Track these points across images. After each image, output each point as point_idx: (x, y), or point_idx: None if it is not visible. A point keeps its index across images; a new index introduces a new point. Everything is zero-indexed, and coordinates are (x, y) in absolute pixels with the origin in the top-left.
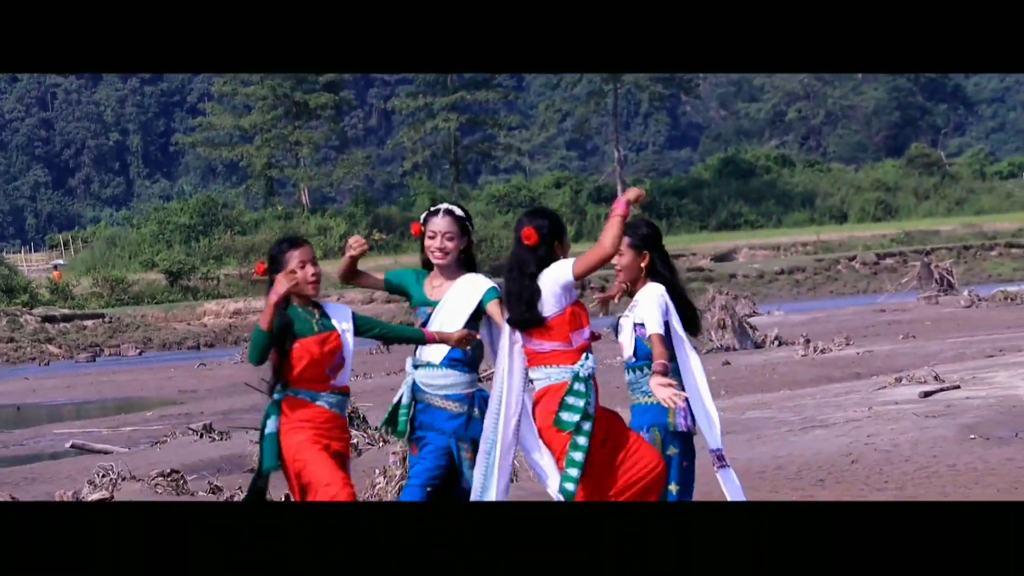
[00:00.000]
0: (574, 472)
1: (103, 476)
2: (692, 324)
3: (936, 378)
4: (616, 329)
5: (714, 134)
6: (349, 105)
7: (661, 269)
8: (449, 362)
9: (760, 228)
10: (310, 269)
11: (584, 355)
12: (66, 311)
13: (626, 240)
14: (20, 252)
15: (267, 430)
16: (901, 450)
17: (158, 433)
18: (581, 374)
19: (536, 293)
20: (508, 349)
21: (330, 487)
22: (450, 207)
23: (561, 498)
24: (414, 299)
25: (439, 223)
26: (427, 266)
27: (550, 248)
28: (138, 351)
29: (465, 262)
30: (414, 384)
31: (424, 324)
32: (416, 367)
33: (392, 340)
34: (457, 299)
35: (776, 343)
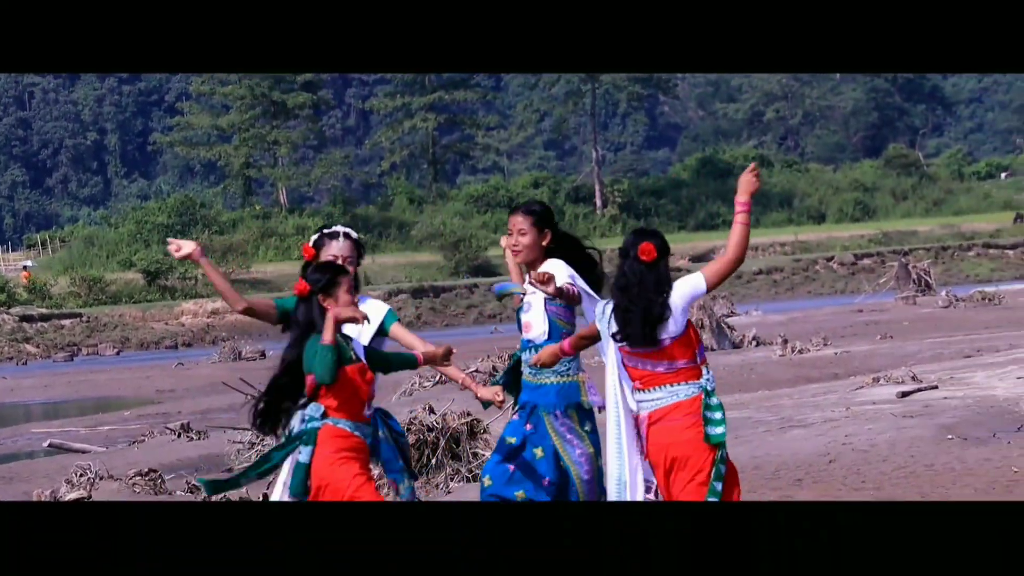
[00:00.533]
0: (719, 486)
1: (81, 475)
2: (597, 288)
3: (914, 378)
4: (519, 312)
5: (692, 134)
6: (327, 105)
7: (563, 243)
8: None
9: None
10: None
11: (706, 368)
12: (44, 311)
13: (528, 220)
14: None
15: (300, 459)
16: (879, 450)
17: (136, 432)
18: (709, 388)
19: (667, 311)
20: (616, 366)
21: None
22: (347, 230)
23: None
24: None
25: (340, 247)
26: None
27: (665, 264)
28: (116, 351)
29: (357, 285)
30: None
31: None
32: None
33: (392, 369)
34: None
35: (754, 343)
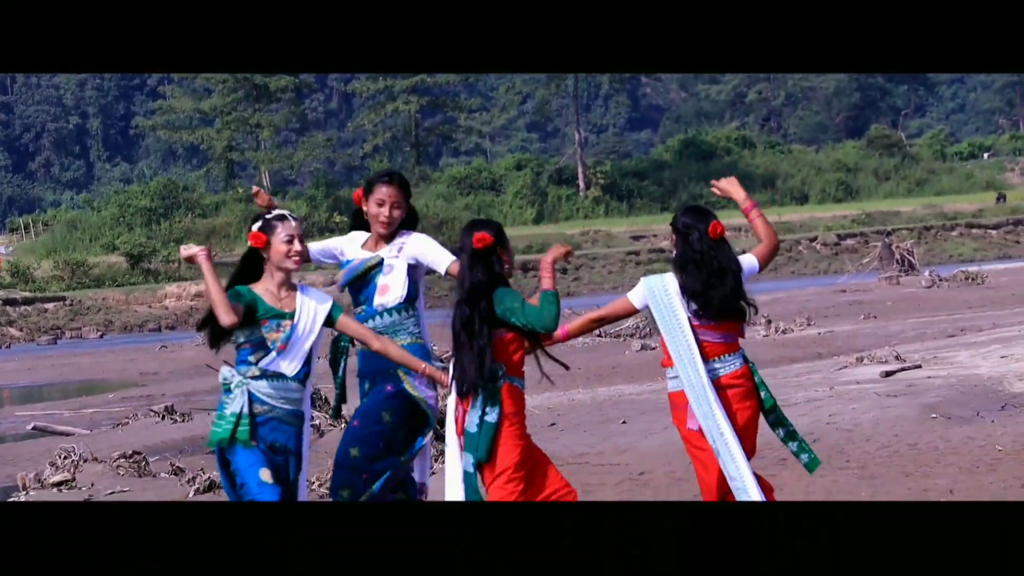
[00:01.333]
0: (789, 424)
1: (65, 458)
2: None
3: (897, 358)
4: (373, 274)
5: (674, 116)
6: (309, 88)
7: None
8: None
9: (721, 209)
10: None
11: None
12: (27, 294)
13: (402, 193)
14: None
15: (488, 419)
16: (862, 429)
17: (120, 415)
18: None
19: (741, 286)
20: (689, 340)
21: (569, 491)
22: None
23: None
24: (264, 311)
25: (296, 228)
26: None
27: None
28: (99, 334)
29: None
30: None
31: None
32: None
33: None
34: (309, 313)
35: None
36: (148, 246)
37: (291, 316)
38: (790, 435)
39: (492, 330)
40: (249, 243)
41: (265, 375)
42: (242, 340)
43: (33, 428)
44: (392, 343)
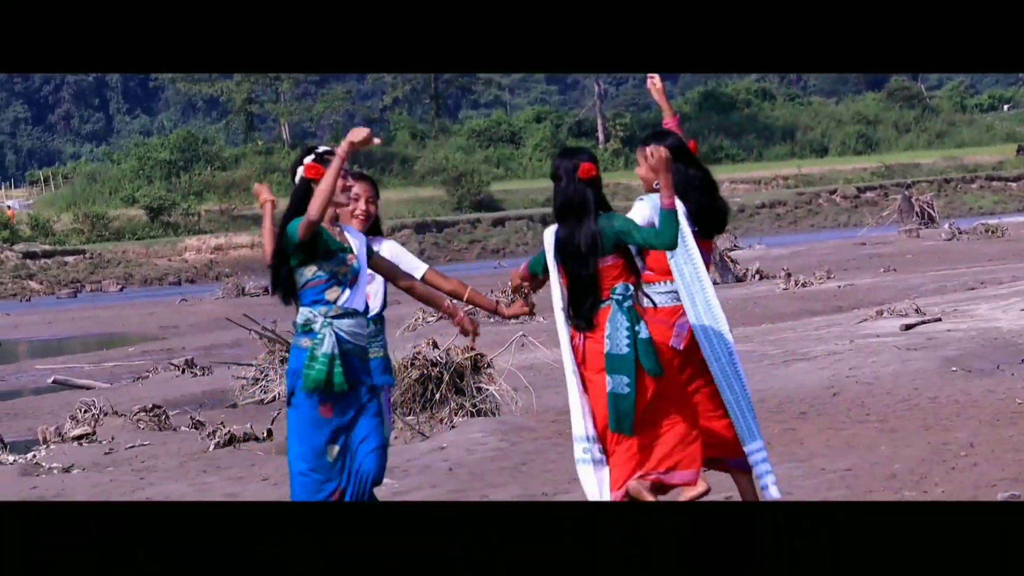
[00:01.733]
0: None
1: (85, 411)
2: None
3: (917, 311)
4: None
5: None
6: None
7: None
8: None
9: (741, 162)
10: None
11: None
12: (47, 247)
13: (373, 189)
14: (0, 188)
15: (642, 335)
16: (883, 383)
17: (140, 368)
18: None
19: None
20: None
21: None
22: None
23: None
24: (331, 244)
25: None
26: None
27: None
28: (119, 287)
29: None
30: None
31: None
32: None
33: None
34: (361, 248)
35: (757, 277)
36: (168, 199)
37: (351, 250)
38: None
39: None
40: (305, 175)
41: (346, 313)
42: (310, 278)
43: (53, 382)
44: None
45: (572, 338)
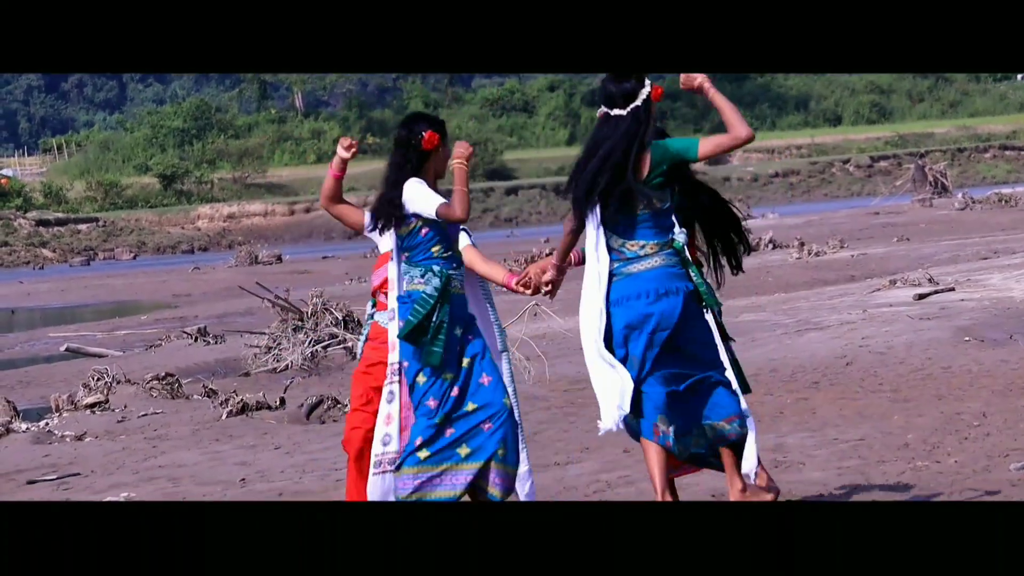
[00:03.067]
0: None
1: (98, 379)
2: None
3: (930, 280)
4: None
5: None
6: None
7: None
8: None
9: (754, 131)
10: None
11: None
12: (60, 215)
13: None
14: (14, 156)
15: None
16: (896, 352)
17: (153, 337)
18: None
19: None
20: None
21: None
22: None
23: None
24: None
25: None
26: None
27: None
28: (132, 255)
29: None
30: None
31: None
32: None
33: None
34: None
35: (770, 246)
36: (181, 167)
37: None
38: None
39: None
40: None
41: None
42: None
43: (66, 349)
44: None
45: None
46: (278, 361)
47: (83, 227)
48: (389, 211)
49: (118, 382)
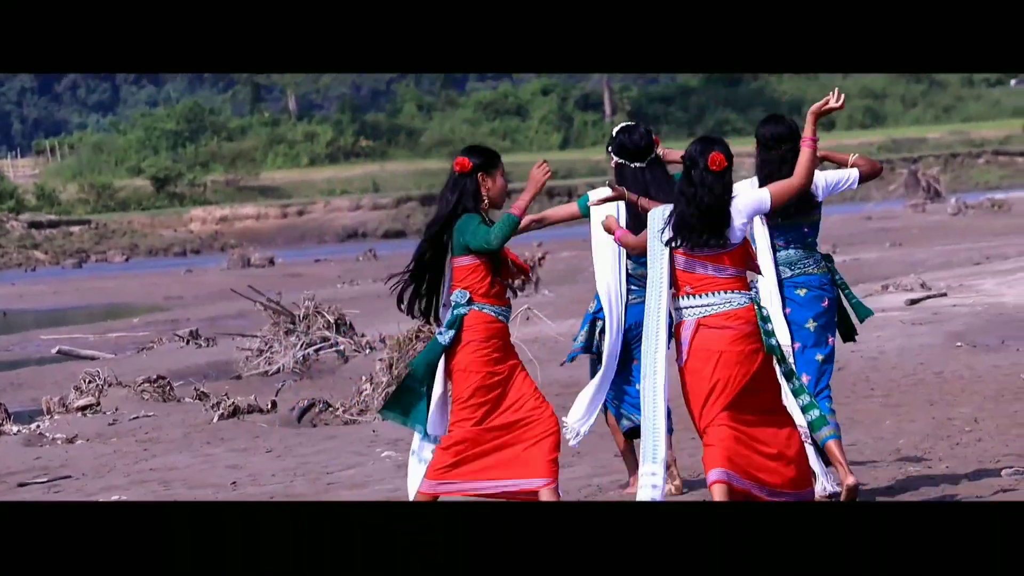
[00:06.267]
0: (798, 380)
1: (89, 382)
2: None
3: (923, 286)
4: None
5: None
6: None
7: None
8: None
9: (748, 135)
10: None
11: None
12: (52, 217)
13: None
14: (6, 158)
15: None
16: (888, 357)
17: (144, 339)
18: (759, 299)
19: (729, 215)
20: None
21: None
22: None
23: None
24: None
25: None
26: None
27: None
28: (124, 257)
29: None
30: None
31: None
32: None
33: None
34: None
35: None
36: (174, 169)
37: None
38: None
39: None
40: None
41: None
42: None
43: (58, 352)
44: None
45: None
46: (270, 364)
47: (75, 229)
48: None
49: (109, 385)
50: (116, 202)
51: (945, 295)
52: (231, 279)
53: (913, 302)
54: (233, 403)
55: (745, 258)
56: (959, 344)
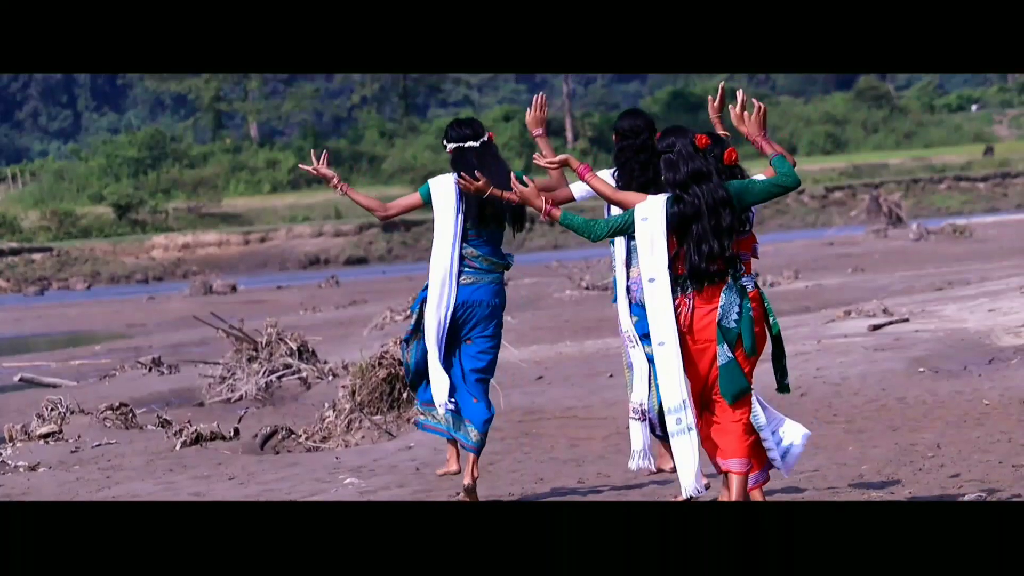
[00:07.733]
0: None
1: (52, 410)
2: None
3: (885, 311)
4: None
5: None
6: None
7: None
8: None
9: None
10: None
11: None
12: (14, 244)
13: None
14: None
15: (748, 314)
16: (850, 383)
17: (107, 367)
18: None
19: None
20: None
21: None
22: None
23: None
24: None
25: None
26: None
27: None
28: (86, 285)
29: None
30: None
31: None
32: None
33: None
34: None
35: None
36: (135, 197)
37: None
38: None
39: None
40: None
41: None
42: None
43: (20, 380)
44: None
45: (680, 307)
46: (232, 391)
47: (37, 256)
48: None
49: (72, 412)
50: (78, 229)
51: (907, 321)
52: (193, 306)
53: (875, 328)
54: (196, 430)
55: (749, 244)
56: (921, 370)
